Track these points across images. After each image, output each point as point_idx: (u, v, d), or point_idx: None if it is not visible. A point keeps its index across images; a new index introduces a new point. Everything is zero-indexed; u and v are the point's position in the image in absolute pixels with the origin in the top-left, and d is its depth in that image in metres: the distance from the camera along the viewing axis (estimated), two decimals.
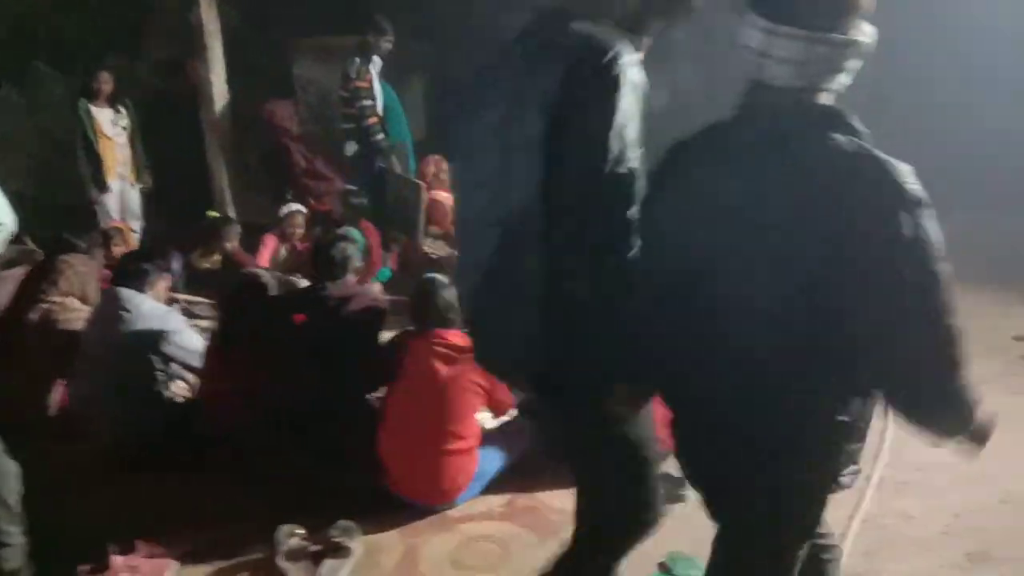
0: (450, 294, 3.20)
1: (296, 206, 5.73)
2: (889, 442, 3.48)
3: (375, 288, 4.89)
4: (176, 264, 5.37)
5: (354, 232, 5.82)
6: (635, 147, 1.58)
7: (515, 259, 1.67)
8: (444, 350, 3.02)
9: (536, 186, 1.61)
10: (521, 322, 1.69)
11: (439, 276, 3.30)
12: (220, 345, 3.30)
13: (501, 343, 1.80)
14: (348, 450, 3.01)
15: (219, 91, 6.14)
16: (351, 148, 6.04)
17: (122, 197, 5.85)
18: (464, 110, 1.83)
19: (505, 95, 1.70)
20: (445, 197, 6.13)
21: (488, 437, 3.17)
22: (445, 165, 6.53)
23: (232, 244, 5.43)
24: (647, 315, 1.63)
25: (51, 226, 4.79)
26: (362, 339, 3.15)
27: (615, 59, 1.55)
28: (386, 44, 6.00)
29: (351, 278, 3.32)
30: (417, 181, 5.88)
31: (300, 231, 5.67)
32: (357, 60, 5.73)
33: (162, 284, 3.77)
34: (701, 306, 1.53)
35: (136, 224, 5.95)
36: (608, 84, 1.54)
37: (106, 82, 5.61)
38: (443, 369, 2.98)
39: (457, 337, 3.10)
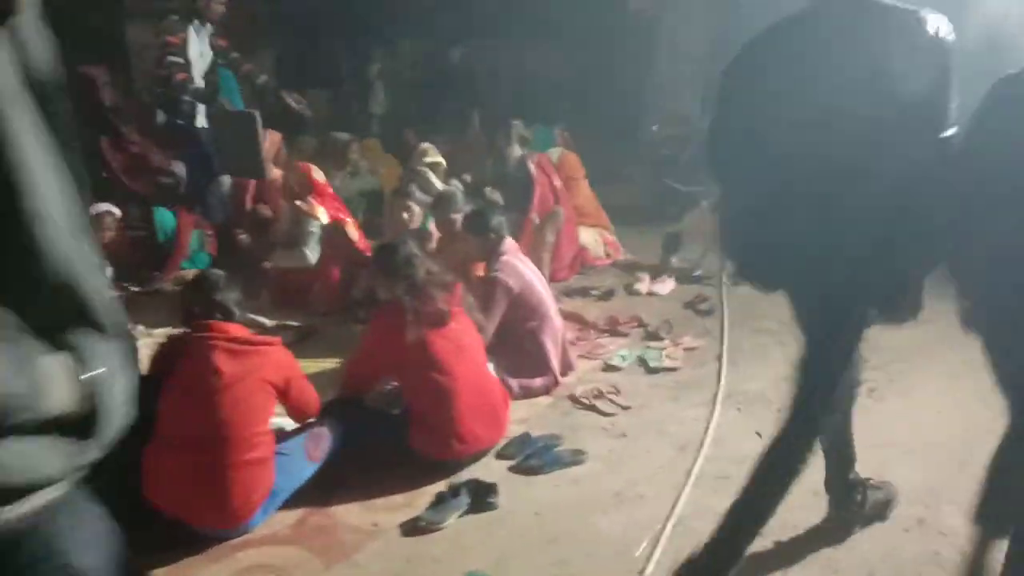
0: (230, 288, 2.82)
1: (105, 206, 5.07)
2: (711, 434, 3.39)
3: None
4: None
5: (164, 213, 5.33)
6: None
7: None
8: (226, 344, 2.63)
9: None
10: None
11: (216, 271, 2.92)
12: None
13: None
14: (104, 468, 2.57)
15: None
16: (160, 116, 5.55)
17: None
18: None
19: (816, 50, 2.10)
20: (278, 175, 5.68)
21: (287, 445, 2.81)
22: (279, 140, 6.07)
23: None
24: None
25: None
26: None
27: (944, 30, 1.94)
28: (217, 7, 5.51)
29: None
30: (251, 111, 5.43)
31: (110, 234, 5.05)
32: (175, 17, 5.28)
33: None
34: None
35: None
36: (942, 53, 1.96)
37: None
38: (227, 365, 2.59)
39: (240, 330, 2.73)
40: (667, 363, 4.13)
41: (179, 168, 6.00)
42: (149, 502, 2.59)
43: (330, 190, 4.78)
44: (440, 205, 4.34)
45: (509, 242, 3.82)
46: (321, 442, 2.92)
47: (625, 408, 3.62)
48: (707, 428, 3.44)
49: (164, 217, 5.29)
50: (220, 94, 5.75)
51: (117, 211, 5.12)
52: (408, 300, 2.94)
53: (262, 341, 2.79)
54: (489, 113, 8.07)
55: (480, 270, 3.94)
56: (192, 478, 2.57)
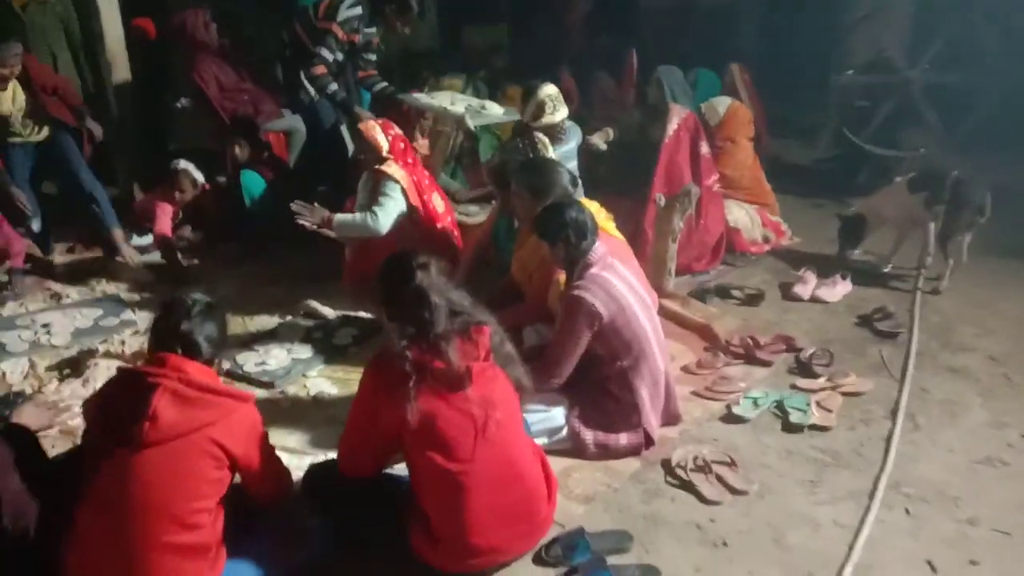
0: (207, 317, 2.14)
1: (184, 164, 4.73)
2: (857, 554, 2.31)
3: None
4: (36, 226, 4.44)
5: (253, 177, 4.83)
6: None
7: None
8: (175, 384, 1.96)
9: None
10: None
11: (197, 295, 2.22)
12: None
13: None
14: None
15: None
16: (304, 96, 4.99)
17: None
18: None
19: None
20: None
21: (248, 544, 2.13)
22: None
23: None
24: None
25: None
26: None
27: None
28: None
29: None
30: None
31: (187, 195, 4.74)
32: (359, 11, 4.69)
33: None
34: None
35: None
36: None
37: None
38: (167, 411, 1.92)
39: (202, 373, 2.05)
40: (816, 418, 3.02)
41: (294, 121, 5.46)
42: None
43: (408, 150, 3.95)
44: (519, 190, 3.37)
45: (599, 248, 2.84)
46: (298, 549, 2.22)
47: (737, 493, 2.61)
48: (851, 545, 2.37)
49: (252, 181, 4.80)
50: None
51: (199, 174, 4.71)
52: (405, 350, 2.11)
53: (227, 392, 2.09)
54: (649, 51, 6.91)
55: (561, 279, 3.01)
56: (106, 566, 1.93)
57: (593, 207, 3.41)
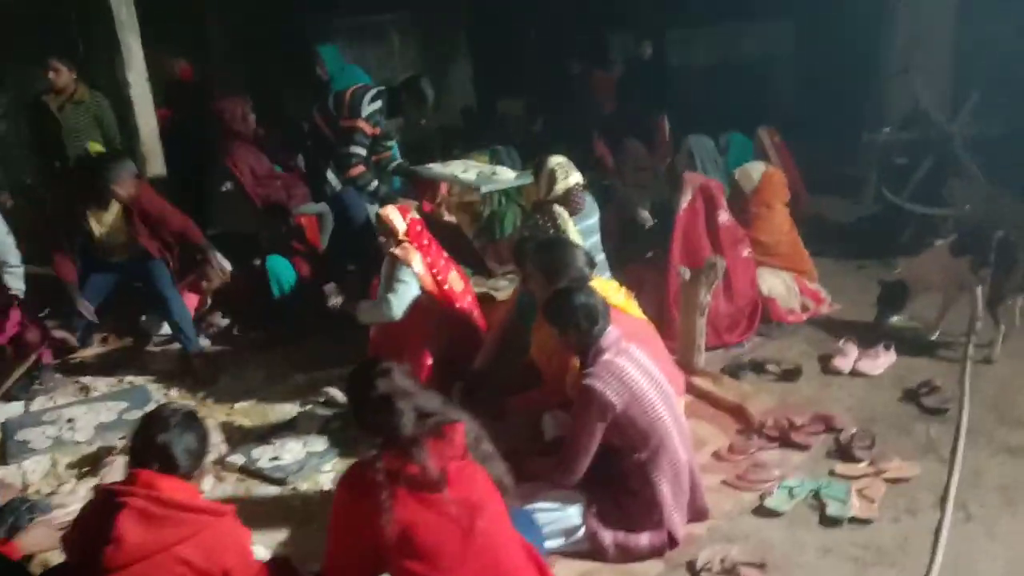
0: (187, 428, 2.09)
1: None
2: None
3: None
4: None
5: (281, 263, 4.83)
6: None
7: None
8: (144, 503, 1.89)
9: None
10: None
11: (178, 406, 2.17)
12: None
13: None
14: None
15: (140, 93, 5.18)
16: (332, 180, 5.07)
17: None
18: None
19: None
20: None
21: None
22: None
23: None
24: None
25: None
26: None
27: None
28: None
29: None
30: None
31: (213, 283, 4.73)
32: (376, 102, 4.72)
33: None
34: None
35: (13, 258, 4.29)
36: None
37: None
38: (133, 533, 1.85)
39: (176, 488, 1.98)
40: (856, 510, 2.79)
41: (324, 205, 5.51)
42: None
43: (424, 233, 3.92)
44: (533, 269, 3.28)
45: (612, 333, 2.72)
46: None
47: None
48: None
49: (280, 267, 4.78)
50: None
51: (225, 262, 4.72)
52: (376, 459, 2.00)
53: (200, 508, 1.99)
54: (682, 115, 6.88)
55: (576, 364, 2.88)
56: None
57: (611, 287, 3.32)
